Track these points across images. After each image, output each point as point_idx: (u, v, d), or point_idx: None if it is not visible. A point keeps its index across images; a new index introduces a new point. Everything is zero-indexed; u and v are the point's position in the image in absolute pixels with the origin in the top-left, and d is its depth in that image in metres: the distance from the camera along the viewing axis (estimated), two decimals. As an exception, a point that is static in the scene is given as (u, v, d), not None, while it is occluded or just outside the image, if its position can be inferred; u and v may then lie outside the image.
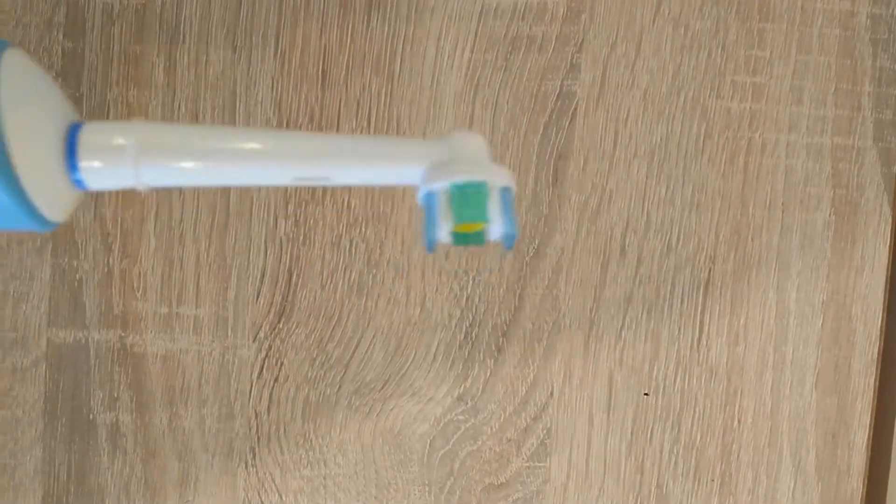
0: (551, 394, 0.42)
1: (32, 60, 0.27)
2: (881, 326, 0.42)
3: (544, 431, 0.42)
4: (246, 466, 0.42)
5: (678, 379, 0.42)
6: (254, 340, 0.41)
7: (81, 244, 0.40)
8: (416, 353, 0.42)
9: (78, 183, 0.27)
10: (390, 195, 0.41)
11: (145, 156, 0.26)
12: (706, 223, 0.42)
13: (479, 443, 0.42)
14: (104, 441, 0.41)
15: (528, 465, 0.42)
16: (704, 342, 0.42)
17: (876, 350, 0.42)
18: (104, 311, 0.41)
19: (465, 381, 0.42)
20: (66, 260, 0.40)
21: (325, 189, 0.41)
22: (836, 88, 0.41)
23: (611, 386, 0.42)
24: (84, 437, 0.41)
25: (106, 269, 0.41)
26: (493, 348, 0.42)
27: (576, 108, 0.41)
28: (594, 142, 0.41)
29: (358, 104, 0.41)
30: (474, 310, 0.41)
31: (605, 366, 0.42)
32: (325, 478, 0.42)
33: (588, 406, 0.42)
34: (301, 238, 0.41)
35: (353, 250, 0.41)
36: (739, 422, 0.42)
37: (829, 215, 0.42)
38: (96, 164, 0.26)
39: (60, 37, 0.40)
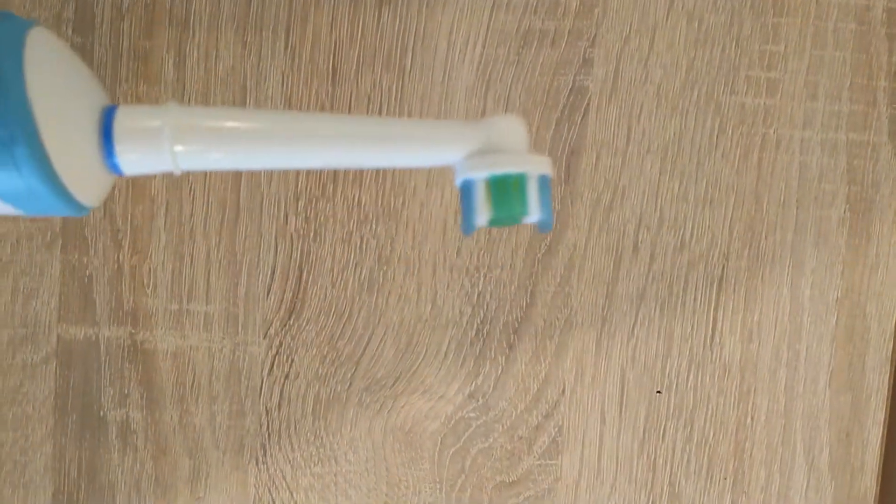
0: (563, 391, 0.42)
1: (60, 40, 0.26)
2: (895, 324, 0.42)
3: (556, 429, 0.42)
4: (257, 463, 0.41)
5: (691, 376, 0.42)
6: (264, 337, 0.41)
7: (91, 240, 0.40)
8: (427, 351, 0.41)
9: (113, 167, 0.26)
10: (401, 191, 0.41)
11: (183, 139, 0.26)
12: (720, 219, 0.41)
13: (491, 440, 0.42)
14: (115, 438, 0.41)
15: (539, 462, 0.42)
16: (718, 339, 0.42)
17: (890, 347, 0.42)
18: (114, 307, 0.41)
19: (476, 379, 0.41)
20: (76, 256, 0.40)
21: (335, 185, 0.40)
22: (852, 83, 0.41)
23: (623, 383, 0.42)
24: (94, 434, 0.41)
25: (116, 266, 0.40)
26: (505, 345, 0.41)
27: (588, 104, 0.41)
28: (607, 137, 0.41)
29: (369, 99, 0.40)
30: (486, 307, 0.41)
31: (618, 363, 0.42)
32: (335, 475, 0.42)
33: (600, 403, 0.42)
34: (311, 234, 0.41)
35: (364, 247, 0.41)
36: (753, 419, 0.42)
37: (844, 212, 0.41)
38: (133, 148, 0.26)
39: (70, 32, 0.40)
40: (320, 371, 0.41)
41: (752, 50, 0.41)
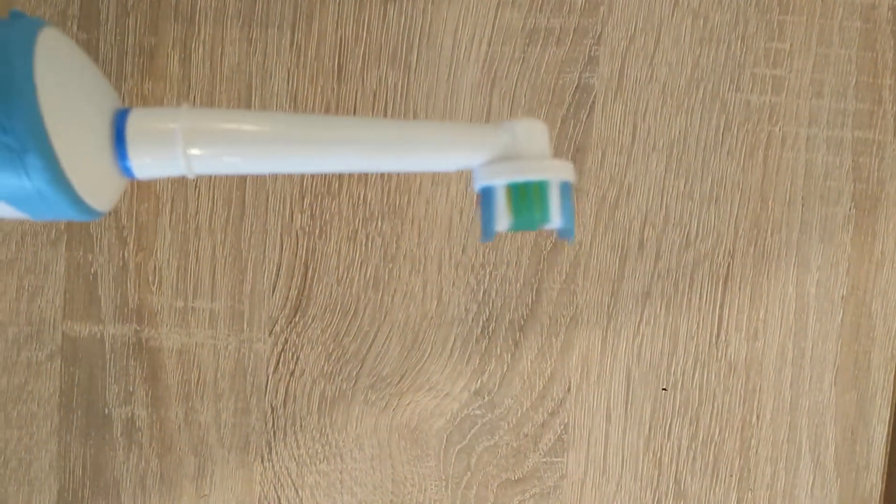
0: (569, 389, 0.42)
1: (71, 41, 0.26)
2: (901, 321, 0.42)
3: (561, 427, 0.42)
4: (262, 461, 0.41)
5: (696, 374, 0.42)
6: (270, 334, 0.41)
7: (96, 237, 0.40)
8: (432, 348, 0.41)
9: (126, 171, 0.26)
10: (406, 188, 0.41)
11: (198, 142, 0.25)
12: (725, 217, 0.41)
13: (496, 438, 0.42)
14: (120, 435, 0.41)
15: (545, 460, 0.42)
16: (723, 337, 0.42)
17: None
18: (119, 304, 0.41)
19: (481, 376, 0.41)
20: (81, 253, 0.40)
21: (340, 182, 0.40)
22: (857, 81, 0.41)
23: (629, 381, 0.42)
24: (99, 432, 0.41)
25: (121, 263, 0.40)
26: (510, 343, 0.41)
27: (594, 102, 0.41)
28: (612, 135, 0.41)
29: (374, 97, 0.40)
30: (491, 304, 0.41)
31: (623, 361, 0.42)
32: (341, 472, 0.42)
33: (606, 401, 0.42)
34: (317, 232, 0.41)
35: (370, 244, 0.41)
36: (758, 417, 0.42)
37: (850, 209, 0.41)
38: (147, 151, 0.25)
39: (75, 28, 0.39)
40: (326, 368, 0.41)
41: (758, 48, 0.41)
